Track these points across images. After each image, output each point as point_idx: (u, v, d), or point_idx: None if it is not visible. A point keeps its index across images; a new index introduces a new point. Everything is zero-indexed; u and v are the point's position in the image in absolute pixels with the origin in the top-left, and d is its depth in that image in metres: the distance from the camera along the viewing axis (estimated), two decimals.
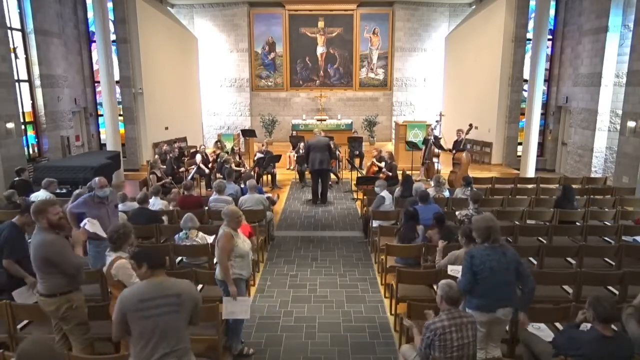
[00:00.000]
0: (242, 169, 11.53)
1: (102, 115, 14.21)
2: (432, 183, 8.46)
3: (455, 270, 4.31)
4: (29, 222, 4.37)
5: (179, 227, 6.12)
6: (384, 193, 7.47)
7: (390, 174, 10.44)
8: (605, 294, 4.95)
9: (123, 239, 3.88)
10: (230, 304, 4.30)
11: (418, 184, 7.74)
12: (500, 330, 3.92)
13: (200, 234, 5.94)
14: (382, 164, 10.86)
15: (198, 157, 11.35)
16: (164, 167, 10.66)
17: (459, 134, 11.49)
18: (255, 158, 12.32)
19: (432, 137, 12.05)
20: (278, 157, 12.15)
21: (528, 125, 12.40)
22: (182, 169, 11.43)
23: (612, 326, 3.11)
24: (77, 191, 7.06)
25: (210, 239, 5.92)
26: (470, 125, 11.34)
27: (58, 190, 8.23)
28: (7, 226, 4.70)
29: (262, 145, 12.81)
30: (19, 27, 11.55)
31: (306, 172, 11.77)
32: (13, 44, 11.19)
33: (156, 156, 11.11)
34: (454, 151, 11.54)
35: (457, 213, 6.56)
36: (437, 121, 13.45)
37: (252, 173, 10.82)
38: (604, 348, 3.03)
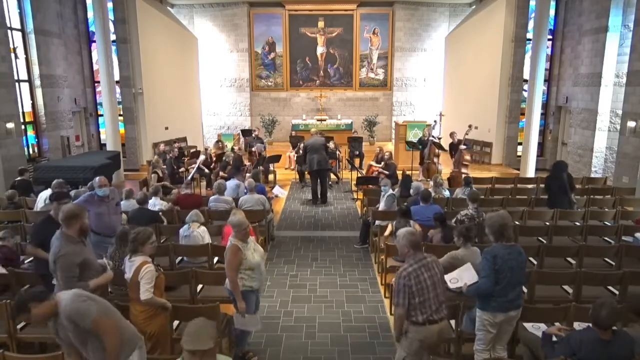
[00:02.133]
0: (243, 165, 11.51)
1: (102, 115, 14.21)
2: (431, 183, 8.46)
3: (455, 280, 4.02)
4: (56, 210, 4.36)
5: (179, 227, 6.12)
6: (393, 191, 7.48)
7: (387, 172, 10.42)
8: (606, 294, 4.96)
9: (139, 241, 3.80)
10: (240, 319, 4.20)
11: (418, 183, 7.74)
12: (509, 330, 3.89)
13: (202, 227, 5.93)
14: (382, 165, 10.86)
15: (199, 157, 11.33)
16: (165, 167, 10.65)
17: (453, 137, 11.45)
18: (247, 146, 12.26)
19: (431, 137, 12.01)
20: (278, 157, 12.15)
21: (528, 125, 12.40)
22: (182, 169, 11.42)
23: (613, 327, 3.10)
24: (71, 192, 7.03)
25: (208, 238, 5.92)
26: (470, 126, 11.28)
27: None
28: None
29: (255, 130, 12.65)
30: (19, 27, 11.55)
31: (306, 172, 11.76)
32: (13, 44, 11.19)
33: (156, 156, 11.10)
34: (454, 154, 11.49)
35: (457, 216, 6.54)
36: (435, 121, 13.43)
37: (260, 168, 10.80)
38: (603, 350, 3.02)
